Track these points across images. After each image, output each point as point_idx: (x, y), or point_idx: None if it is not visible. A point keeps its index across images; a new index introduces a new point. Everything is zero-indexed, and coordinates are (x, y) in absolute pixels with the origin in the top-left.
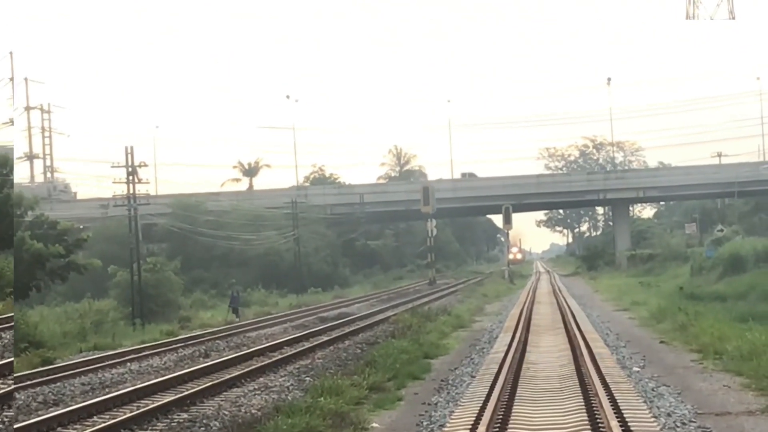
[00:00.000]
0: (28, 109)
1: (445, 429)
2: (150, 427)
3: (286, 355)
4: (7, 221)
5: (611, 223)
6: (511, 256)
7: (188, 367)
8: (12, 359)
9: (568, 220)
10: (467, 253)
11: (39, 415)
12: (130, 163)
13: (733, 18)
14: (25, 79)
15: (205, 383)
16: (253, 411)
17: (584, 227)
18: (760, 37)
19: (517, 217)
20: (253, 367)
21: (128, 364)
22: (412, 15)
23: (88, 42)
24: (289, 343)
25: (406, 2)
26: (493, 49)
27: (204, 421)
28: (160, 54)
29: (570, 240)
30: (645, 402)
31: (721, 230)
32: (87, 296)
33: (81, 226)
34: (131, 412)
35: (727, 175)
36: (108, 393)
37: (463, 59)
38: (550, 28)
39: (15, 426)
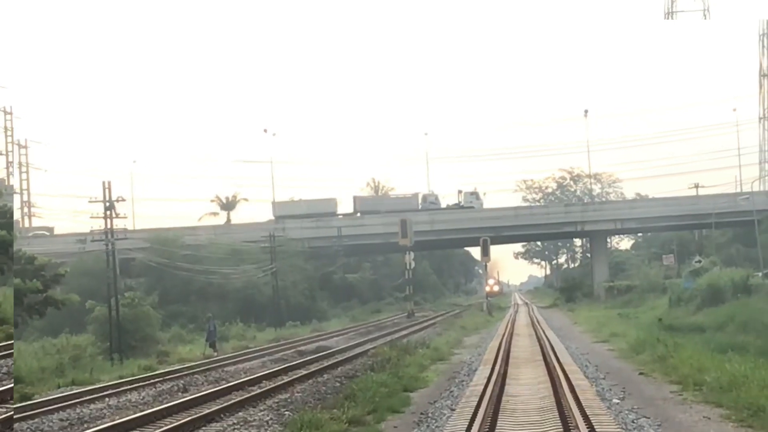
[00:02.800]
0: (6, 143)
1: None
2: None
3: (264, 389)
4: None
5: (589, 255)
6: (487, 288)
7: (167, 402)
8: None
9: (546, 252)
10: (445, 286)
11: None
12: (107, 198)
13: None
14: (3, 112)
15: (184, 418)
16: None
17: (562, 259)
18: (737, 68)
19: (494, 249)
20: (232, 401)
21: (107, 399)
22: (389, 46)
23: (63, 76)
24: (268, 377)
25: (382, 33)
26: (470, 80)
27: None
28: (137, 88)
29: (548, 272)
30: None
31: (699, 261)
32: (65, 331)
33: (59, 261)
34: None
35: (704, 207)
36: (86, 429)
37: (440, 91)
38: (527, 59)
39: None
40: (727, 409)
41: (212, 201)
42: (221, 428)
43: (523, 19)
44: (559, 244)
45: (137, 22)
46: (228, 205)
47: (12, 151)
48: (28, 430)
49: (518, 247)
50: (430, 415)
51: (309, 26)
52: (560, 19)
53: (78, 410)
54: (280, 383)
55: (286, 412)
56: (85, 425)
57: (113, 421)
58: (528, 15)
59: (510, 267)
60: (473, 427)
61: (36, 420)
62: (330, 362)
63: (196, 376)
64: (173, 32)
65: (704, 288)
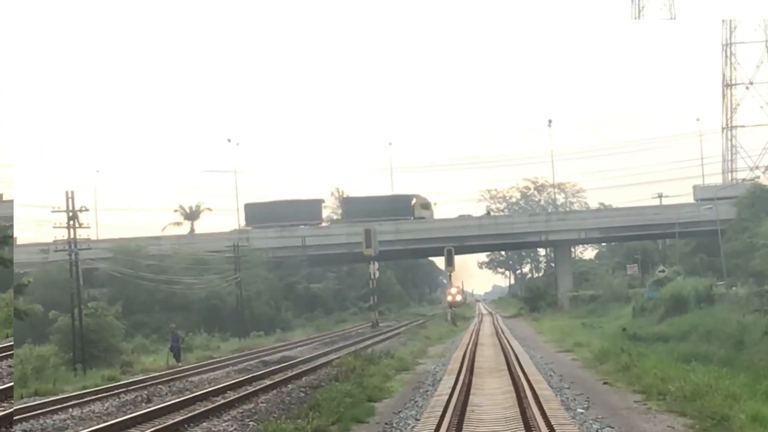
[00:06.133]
0: None
1: None
2: None
3: (229, 399)
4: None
5: (553, 265)
6: (449, 298)
7: (131, 413)
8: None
9: (510, 262)
10: (410, 296)
11: None
12: (70, 208)
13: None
14: None
15: (148, 429)
16: None
17: (526, 269)
18: (700, 78)
19: (459, 259)
20: (196, 412)
21: (70, 410)
22: (352, 57)
23: (23, 82)
24: (232, 387)
25: (346, 44)
26: (435, 90)
27: None
28: (100, 97)
29: (512, 282)
30: None
31: (663, 271)
32: (27, 342)
33: (21, 272)
34: None
35: (667, 216)
36: None
37: (404, 101)
38: (491, 69)
39: None
40: (691, 419)
41: (176, 211)
42: None
43: (487, 31)
44: (523, 253)
45: (101, 31)
46: (191, 215)
47: None
48: None
49: (482, 256)
50: (394, 425)
51: (272, 36)
52: (524, 30)
53: (41, 421)
54: (244, 393)
55: (251, 423)
56: None
57: (77, 431)
58: (491, 27)
59: (474, 277)
60: None
61: None
62: (294, 372)
63: (160, 386)
64: (137, 43)
65: (668, 297)
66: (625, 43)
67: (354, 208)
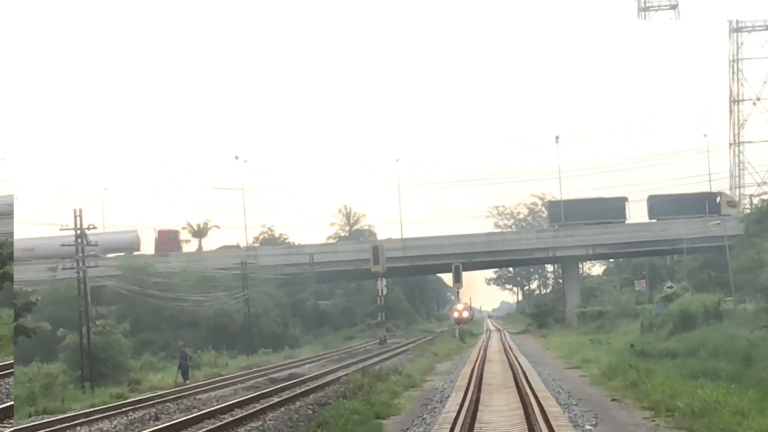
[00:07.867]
0: None
1: None
2: None
3: (237, 417)
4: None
5: (561, 281)
6: (456, 314)
7: (139, 431)
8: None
9: (518, 278)
10: (417, 312)
11: None
12: (78, 226)
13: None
14: None
15: None
16: None
17: (534, 285)
18: (708, 94)
19: (466, 276)
20: (204, 429)
21: (78, 428)
22: (358, 73)
23: (29, 100)
24: (240, 404)
25: (353, 60)
26: (441, 107)
27: None
28: (108, 114)
29: (520, 298)
30: None
31: (671, 287)
32: (36, 360)
33: (30, 289)
34: None
35: (675, 232)
36: None
37: (411, 118)
38: (497, 85)
39: None
40: None
41: (183, 228)
42: None
43: (493, 47)
44: (531, 270)
45: (108, 46)
46: (199, 233)
47: None
48: None
49: (490, 273)
50: None
51: (279, 54)
52: (532, 47)
53: None
54: (252, 411)
55: None
56: None
57: None
58: (496, 43)
59: (482, 293)
60: None
61: None
62: (302, 389)
63: (168, 404)
64: (144, 59)
65: (676, 313)
66: (633, 56)
67: (658, 203)
